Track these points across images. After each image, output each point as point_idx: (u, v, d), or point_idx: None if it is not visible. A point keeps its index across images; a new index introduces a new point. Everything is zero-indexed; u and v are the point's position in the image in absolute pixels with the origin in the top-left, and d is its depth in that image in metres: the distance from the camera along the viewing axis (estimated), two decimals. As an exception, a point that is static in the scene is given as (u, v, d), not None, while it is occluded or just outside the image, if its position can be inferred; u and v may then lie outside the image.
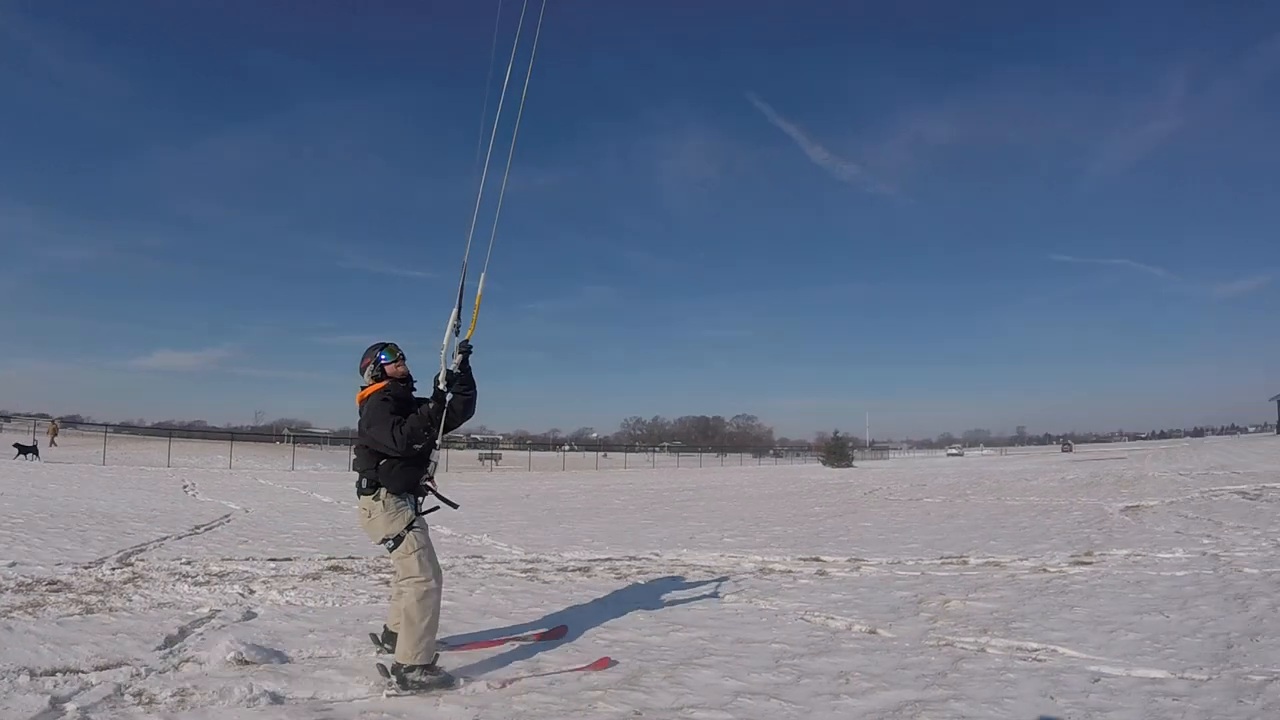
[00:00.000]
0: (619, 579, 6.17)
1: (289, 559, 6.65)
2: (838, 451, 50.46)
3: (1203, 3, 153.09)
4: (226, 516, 10.34)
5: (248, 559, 6.57)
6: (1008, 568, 6.60)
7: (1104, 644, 3.92)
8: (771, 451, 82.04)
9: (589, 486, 22.11)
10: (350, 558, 6.79)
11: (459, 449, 57.20)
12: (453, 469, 31.63)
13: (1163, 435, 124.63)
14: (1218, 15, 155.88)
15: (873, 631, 4.34)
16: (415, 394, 3.60)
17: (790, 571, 6.56)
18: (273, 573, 5.95)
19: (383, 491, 3.37)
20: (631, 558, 7.33)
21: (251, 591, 5.12)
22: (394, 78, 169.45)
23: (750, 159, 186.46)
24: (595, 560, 7.17)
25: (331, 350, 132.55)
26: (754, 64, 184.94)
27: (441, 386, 3.40)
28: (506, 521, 11.00)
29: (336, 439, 51.74)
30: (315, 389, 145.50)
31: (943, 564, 6.91)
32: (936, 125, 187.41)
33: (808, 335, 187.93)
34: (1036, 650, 3.84)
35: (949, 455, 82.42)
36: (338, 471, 25.15)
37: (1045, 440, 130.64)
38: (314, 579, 5.73)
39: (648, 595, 5.42)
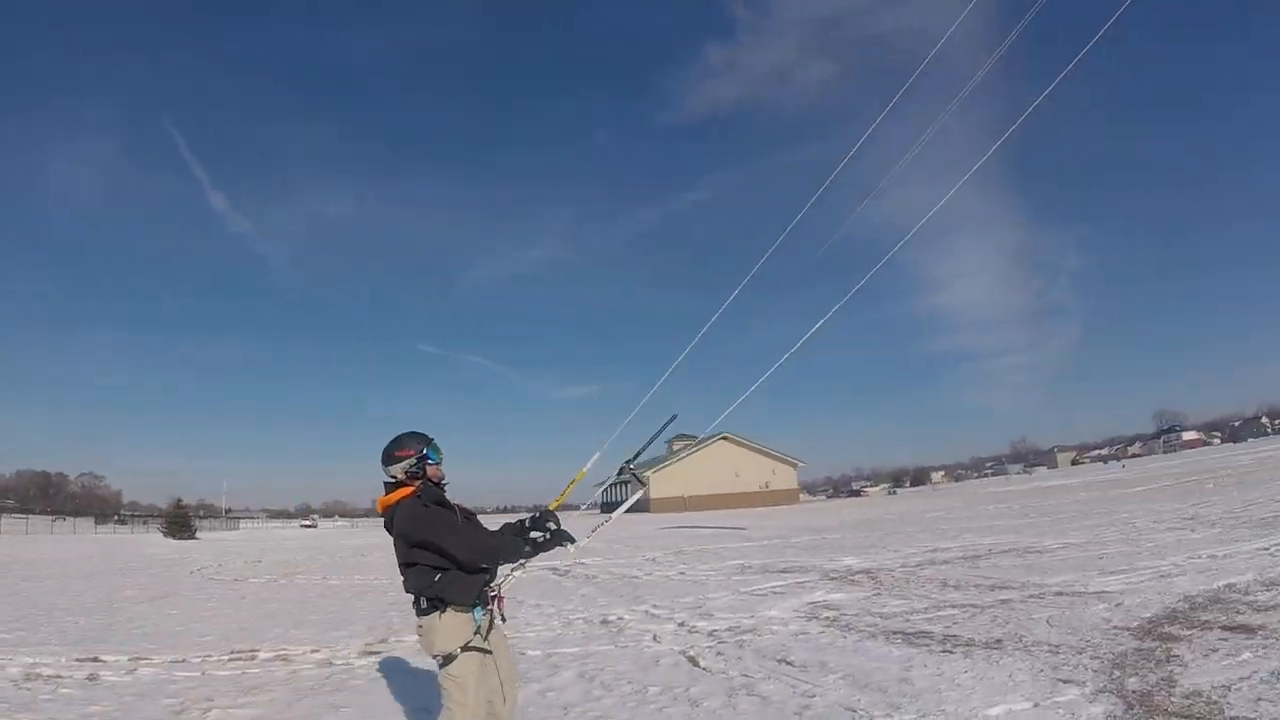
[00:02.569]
0: None
1: None
2: (179, 521, 45.52)
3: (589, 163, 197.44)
4: None
5: None
6: (294, 661, 6.49)
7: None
8: (116, 517, 70.21)
9: None
10: None
11: None
12: None
13: (507, 510, 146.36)
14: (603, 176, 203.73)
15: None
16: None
17: (58, 677, 5.94)
18: None
19: (448, 606, 2.99)
20: None
21: None
22: None
23: (147, 185, 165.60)
24: None
25: None
26: (179, 89, 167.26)
27: (541, 537, 3.16)
28: None
29: None
30: None
31: (230, 660, 6.63)
32: (337, 205, 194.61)
33: (168, 388, 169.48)
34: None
35: (302, 526, 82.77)
36: None
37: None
38: None
39: None
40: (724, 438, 60.34)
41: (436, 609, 3.01)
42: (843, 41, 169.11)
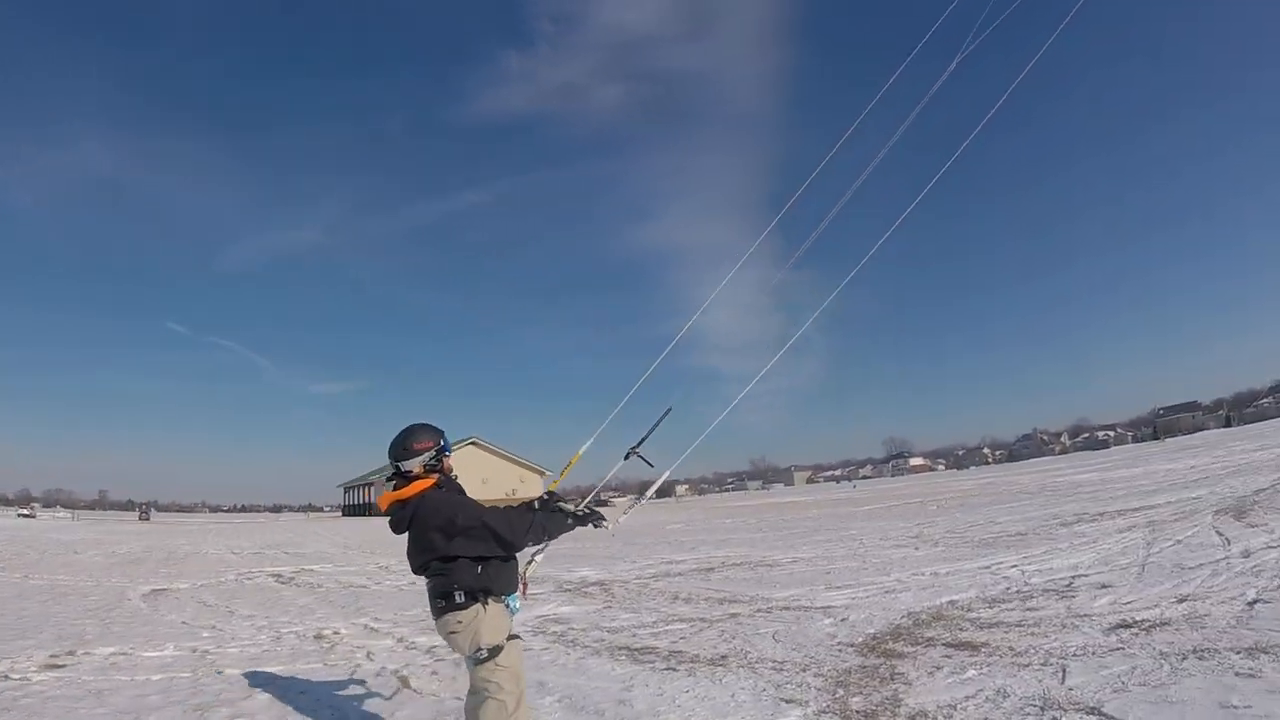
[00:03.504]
0: None
1: None
2: None
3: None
4: None
5: None
6: (-43, 676, 5.62)
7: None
8: None
9: None
10: None
11: None
12: None
13: (244, 509, 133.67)
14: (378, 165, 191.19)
15: None
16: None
17: None
18: None
19: (489, 597, 2.91)
20: None
21: None
22: None
23: None
24: None
25: None
26: None
27: (574, 509, 3.20)
28: None
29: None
30: None
31: None
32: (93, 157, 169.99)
33: None
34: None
35: (20, 516, 69.43)
36: None
37: (129, 506, 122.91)
38: None
39: None
40: (473, 442, 59.30)
41: (477, 601, 2.94)
42: (635, 72, 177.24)
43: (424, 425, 3.22)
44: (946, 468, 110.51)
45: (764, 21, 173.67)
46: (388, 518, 3.17)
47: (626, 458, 4.04)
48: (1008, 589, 7.83)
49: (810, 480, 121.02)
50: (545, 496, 3.32)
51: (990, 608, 6.88)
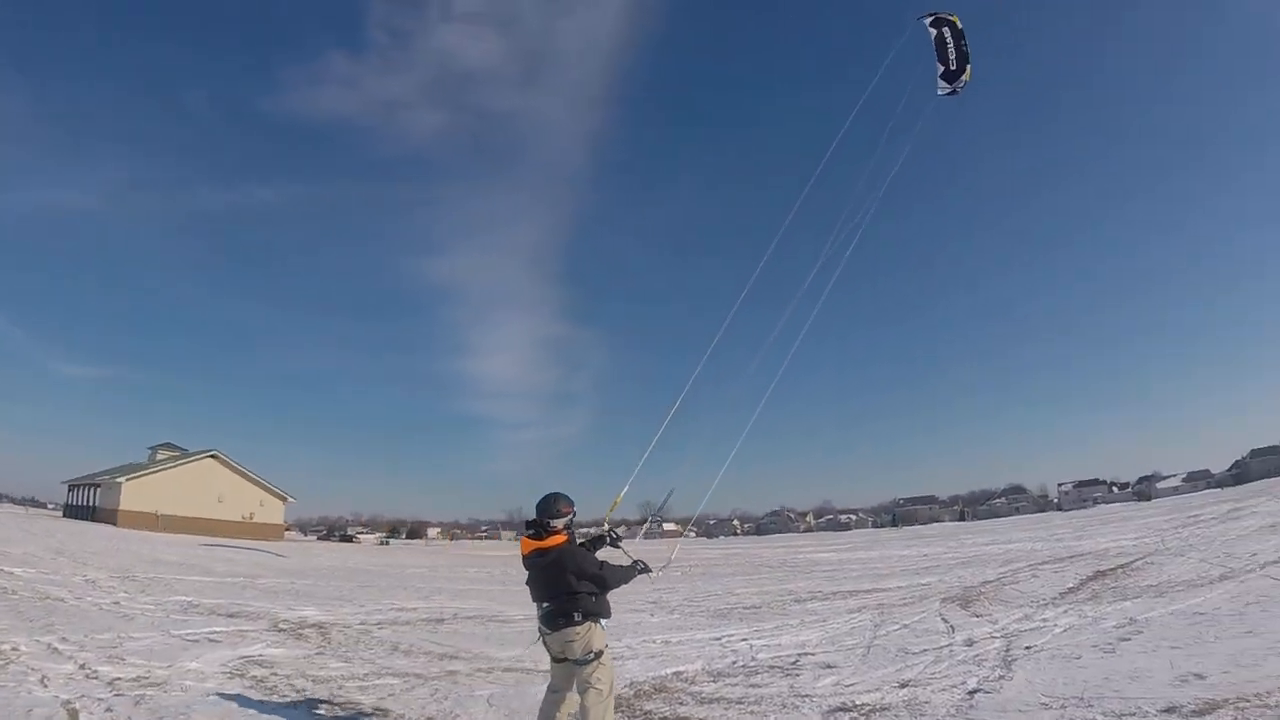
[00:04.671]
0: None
1: None
2: None
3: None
4: None
5: None
6: None
7: None
8: None
9: None
10: None
11: None
12: None
13: None
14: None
15: None
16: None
17: None
18: None
19: (597, 619, 4.29)
20: None
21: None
22: None
23: None
24: None
25: None
26: None
27: (635, 564, 4.75)
28: None
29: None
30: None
31: None
32: None
33: None
34: None
35: None
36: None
37: None
38: None
39: None
40: (213, 456, 53.38)
41: (589, 620, 4.25)
42: (459, 103, 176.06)
43: (566, 495, 4.49)
44: (697, 535, 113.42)
45: (592, 84, 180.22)
46: (527, 557, 4.44)
47: (648, 521, 7.27)
48: (734, 663, 7.74)
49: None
50: (610, 535, 4.95)
51: (714, 681, 6.82)
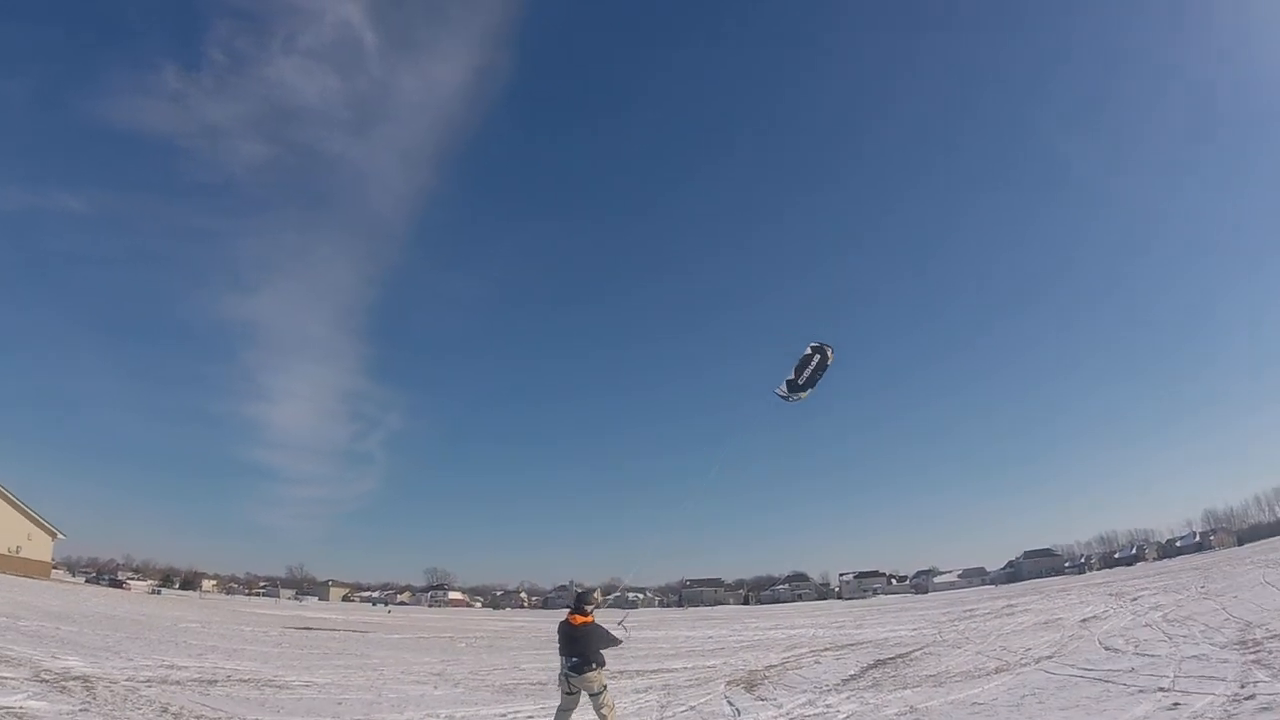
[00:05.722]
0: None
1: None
2: None
3: None
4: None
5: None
6: None
7: None
8: None
9: None
10: None
11: None
12: None
13: None
14: None
15: None
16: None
17: None
18: None
19: (601, 666, 6.92)
20: None
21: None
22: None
23: None
24: None
25: None
26: None
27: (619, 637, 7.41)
28: None
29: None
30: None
31: None
32: None
33: None
34: None
35: None
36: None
37: None
38: None
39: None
40: None
41: (598, 665, 6.92)
42: (286, 139, 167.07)
43: (597, 591, 7.53)
44: (484, 605, 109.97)
45: (425, 140, 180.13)
46: (569, 627, 7.12)
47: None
48: (522, 743, 7.36)
49: (346, 598, 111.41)
50: (622, 624, 8.07)
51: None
